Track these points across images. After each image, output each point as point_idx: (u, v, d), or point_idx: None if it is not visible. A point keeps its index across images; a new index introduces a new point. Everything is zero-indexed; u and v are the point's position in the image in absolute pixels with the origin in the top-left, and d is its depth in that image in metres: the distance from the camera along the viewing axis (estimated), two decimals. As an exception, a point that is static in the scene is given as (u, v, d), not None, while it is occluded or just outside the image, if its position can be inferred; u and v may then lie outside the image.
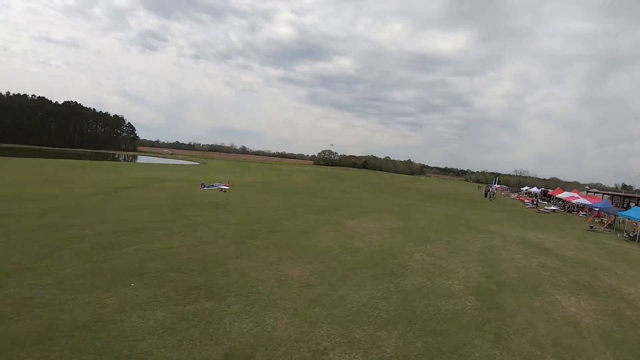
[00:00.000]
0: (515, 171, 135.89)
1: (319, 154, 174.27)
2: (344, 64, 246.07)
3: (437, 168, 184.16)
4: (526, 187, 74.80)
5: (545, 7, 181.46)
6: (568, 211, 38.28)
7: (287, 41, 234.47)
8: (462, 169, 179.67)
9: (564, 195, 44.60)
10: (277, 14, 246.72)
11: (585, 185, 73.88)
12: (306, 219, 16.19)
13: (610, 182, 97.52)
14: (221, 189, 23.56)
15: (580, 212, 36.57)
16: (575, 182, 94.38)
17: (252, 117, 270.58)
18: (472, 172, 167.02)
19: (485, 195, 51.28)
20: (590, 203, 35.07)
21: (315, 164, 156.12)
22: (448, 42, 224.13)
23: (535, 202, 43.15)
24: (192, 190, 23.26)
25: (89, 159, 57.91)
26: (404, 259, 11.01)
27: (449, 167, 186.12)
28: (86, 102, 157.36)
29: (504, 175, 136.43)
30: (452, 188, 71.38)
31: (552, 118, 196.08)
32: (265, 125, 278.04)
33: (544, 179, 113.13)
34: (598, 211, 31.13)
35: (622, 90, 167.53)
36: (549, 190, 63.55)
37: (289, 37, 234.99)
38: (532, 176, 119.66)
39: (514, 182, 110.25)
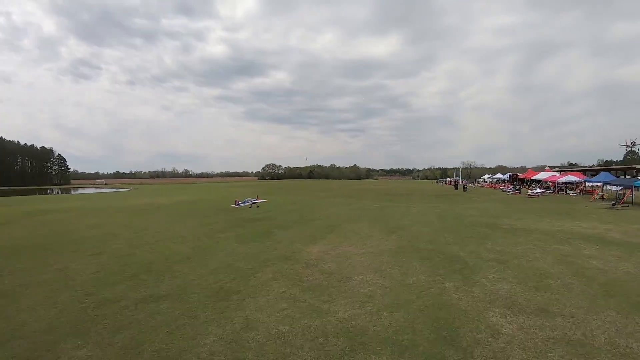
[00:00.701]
0: (463, 163, 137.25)
1: (262, 168, 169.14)
2: (280, 77, 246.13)
3: (382, 170, 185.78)
4: (487, 176, 73.32)
5: (473, 5, 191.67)
6: (557, 192, 34.96)
7: (221, 59, 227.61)
8: (408, 168, 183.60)
9: (543, 176, 41.83)
10: (209, 32, 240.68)
11: (546, 166, 74.70)
12: (231, 254, 8.64)
13: (553, 162, 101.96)
14: (253, 204, 20.86)
15: (570, 191, 33.73)
16: (521, 167, 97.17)
17: (193, 140, 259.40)
18: (419, 170, 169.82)
19: (455, 188, 47.68)
20: (579, 179, 31.96)
21: (259, 179, 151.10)
22: (380, 47, 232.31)
23: (517, 188, 39.99)
24: (79, 221, 15.80)
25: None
26: (478, 338, 4.08)
27: (394, 168, 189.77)
28: (23, 138, 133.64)
29: (450, 168, 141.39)
30: (410, 186, 65.42)
31: (488, 109, 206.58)
32: (208, 146, 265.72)
33: (490, 167, 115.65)
34: (591, 186, 27.65)
35: (551, 76, 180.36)
36: (518, 174, 62.00)
37: (223, 55, 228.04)
38: (479, 167, 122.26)
39: (464, 174, 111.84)
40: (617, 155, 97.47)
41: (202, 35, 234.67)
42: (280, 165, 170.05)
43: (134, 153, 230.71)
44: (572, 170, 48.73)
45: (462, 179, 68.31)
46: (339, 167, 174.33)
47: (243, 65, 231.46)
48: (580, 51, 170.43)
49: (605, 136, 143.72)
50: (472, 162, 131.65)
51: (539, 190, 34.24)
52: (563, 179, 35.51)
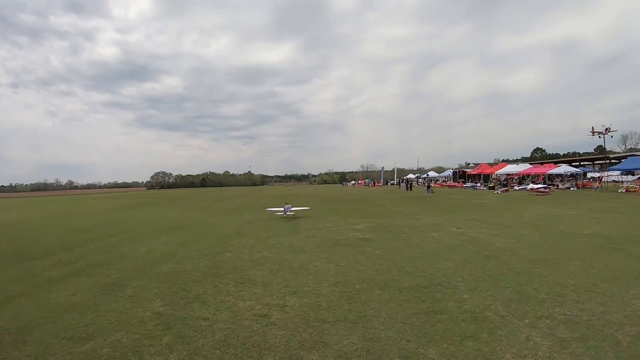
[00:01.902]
0: (362, 166, 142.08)
1: (151, 177, 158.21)
2: (171, 83, 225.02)
3: (277, 176, 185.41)
4: (425, 175, 68.39)
5: (367, 15, 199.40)
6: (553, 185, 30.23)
7: (111, 62, 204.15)
8: (303, 173, 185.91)
9: (511, 169, 36.90)
10: (100, 33, 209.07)
11: (470, 163, 72.82)
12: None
13: (444, 164, 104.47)
14: (287, 213, 15.54)
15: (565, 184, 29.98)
16: (419, 169, 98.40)
17: (81, 149, 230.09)
18: (315, 175, 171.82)
19: (409, 189, 41.39)
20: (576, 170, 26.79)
21: (149, 188, 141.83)
22: (274, 54, 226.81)
23: (504, 185, 35.03)
24: None
25: None
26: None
27: (288, 174, 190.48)
28: None
29: (352, 172, 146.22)
30: (333, 193, 46.44)
31: (378, 115, 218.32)
32: (96, 155, 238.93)
33: (392, 169, 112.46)
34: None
35: (440, 84, 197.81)
36: (464, 170, 57.70)
37: (113, 58, 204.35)
38: (378, 170, 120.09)
39: (364, 176, 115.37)
40: (512, 155, 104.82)
41: (92, 36, 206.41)
42: (170, 174, 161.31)
43: (15, 164, 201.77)
44: (538, 163, 45.25)
45: (412, 179, 63.04)
46: (233, 174, 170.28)
47: (134, 70, 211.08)
48: (469, 62, 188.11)
49: (491, 139, 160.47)
50: (371, 165, 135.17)
51: (533, 186, 29.02)
52: (553, 171, 30.30)
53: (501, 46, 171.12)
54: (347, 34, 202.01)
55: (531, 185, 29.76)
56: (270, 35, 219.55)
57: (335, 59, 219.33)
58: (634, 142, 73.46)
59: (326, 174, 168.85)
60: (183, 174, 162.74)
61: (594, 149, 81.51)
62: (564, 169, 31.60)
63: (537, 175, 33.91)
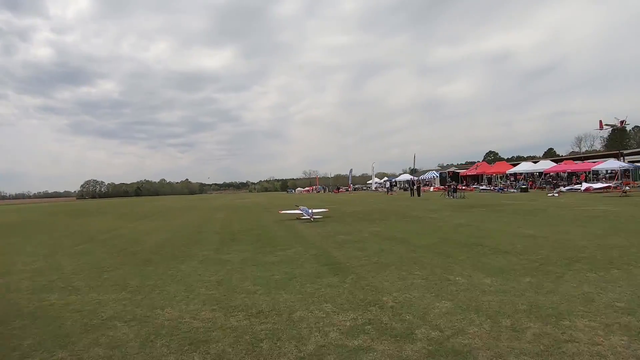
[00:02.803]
0: (305, 173, 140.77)
1: (81, 186, 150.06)
2: (108, 87, 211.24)
3: (215, 184, 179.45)
4: (393, 179, 59.27)
5: (308, 23, 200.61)
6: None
7: (45, 64, 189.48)
8: (241, 181, 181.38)
9: (528, 167, 30.49)
10: (35, 32, 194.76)
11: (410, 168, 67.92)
12: None
13: (382, 170, 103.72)
14: (307, 217, 13.85)
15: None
16: (362, 175, 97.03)
17: (12, 156, 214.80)
18: (254, 183, 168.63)
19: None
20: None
21: (78, 198, 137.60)
22: (214, 60, 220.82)
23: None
24: None
25: None
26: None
27: (227, 182, 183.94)
28: None
29: (293, 179, 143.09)
30: (280, 198, 43.25)
31: (317, 123, 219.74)
32: (27, 163, 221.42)
33: (333, 176, 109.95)
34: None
35: (376, 93, 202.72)
36: (459, 171, 51.73)
37: (48, 60, 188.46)
38: (322, 175, 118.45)
39: (306, 183, 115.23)
40: (447, 160, 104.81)
41: (27, 35, 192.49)
42: (102, 182, 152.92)
43: None
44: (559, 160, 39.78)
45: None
46: (169, 182, 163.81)
47: (69, 72, 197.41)
48: (406, 71, 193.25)
49: (426, 145, 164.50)
50: (314, 171, 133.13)
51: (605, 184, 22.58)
52: (611, 165, 24.16)
53: (439, 56, 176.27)
54: (288, 41, 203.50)
55: (587, 185, 23.17)
56: (210, 40, 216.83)
57: (275, 67, 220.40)
58: (589, 145, 74.98)
59: (266, 181, 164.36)
60: (116, 183, 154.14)
61: (544, 152, 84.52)
62: (613, 164, 24.99)
63: (577, 173, 27.91)
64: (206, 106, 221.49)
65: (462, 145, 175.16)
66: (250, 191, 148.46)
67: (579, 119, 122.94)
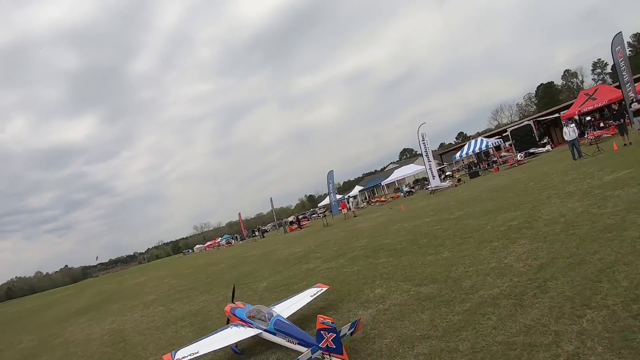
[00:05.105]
0: (196, 228, 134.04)
1: None
2: None
3: (100, 264, 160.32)
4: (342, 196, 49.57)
5: (167, 77, 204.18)
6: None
7: None
8: (128, 254, 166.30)
9: None
10: None
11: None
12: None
13: (262, 211, 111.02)
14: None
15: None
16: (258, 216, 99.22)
17: None
18: (143, 252, 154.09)
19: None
20: None
21: None
22: (76, 130, 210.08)
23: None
24: None
25: None
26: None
27: (112, 258, 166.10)
28: None
29: (185, 238, 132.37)
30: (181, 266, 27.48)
31: (193, 177, 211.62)
32: None
33: (225, 224, 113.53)
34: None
35: (245, 133, 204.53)
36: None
37: None
38: (214, 227, 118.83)
39: (200, 239, 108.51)
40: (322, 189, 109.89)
41: None
42: None
43: None
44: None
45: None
46: (46, 273, 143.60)
47: None
48: (271, 106, 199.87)
49: (303, 174, 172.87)
50: (206, 224, 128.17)
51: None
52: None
53: (300, 86, 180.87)
54: (149, 98, 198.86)
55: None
56: (69, 110, 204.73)
57: (140, 127, 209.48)
58: (508, 117, 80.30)
59: (155, 247, 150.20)
60: None
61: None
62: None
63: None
64: (77, 182, 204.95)
65: (338, 166, 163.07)
66: (139, 262, 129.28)
67: (440, 115, 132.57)
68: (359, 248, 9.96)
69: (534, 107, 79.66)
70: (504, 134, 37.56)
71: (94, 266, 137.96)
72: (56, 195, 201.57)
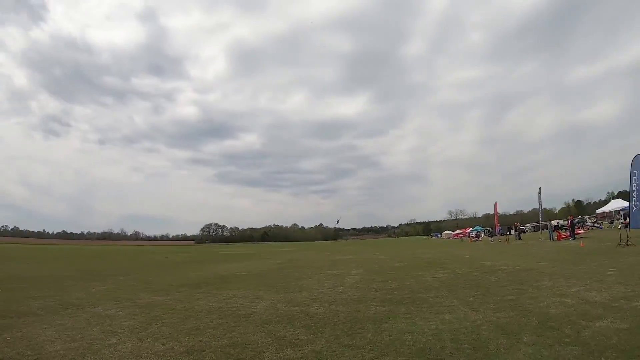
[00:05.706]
0: (450, 213, 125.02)
1: (201, 229, 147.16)
2: (250, 140, 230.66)
3: (353, 229, 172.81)
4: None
5: (437, 61, 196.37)
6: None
7: (191, 121, 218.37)
8: (381, 225, 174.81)
9: None
10: (179, 93, 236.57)
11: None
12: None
13: (525, 208, 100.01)
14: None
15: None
16: (516, 212, 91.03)
17: (164, 203, 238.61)
18: (394, 227, 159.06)
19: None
20: None
21: (197, 242, 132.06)
22: (349, 107, 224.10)
23: None
24: None
25: None
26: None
27: (366, 226, 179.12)
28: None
29: (437, 222, 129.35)
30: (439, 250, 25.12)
31: (456, 163, 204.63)
32: (178, 209, 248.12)
33: (481, 216, 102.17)
34: None
35: (515, 125, 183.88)
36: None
37: (193, 117, 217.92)
38: (469, 216, 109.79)
39: (452, 225, 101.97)
40: (599, 194, 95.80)
41: (172, 96, 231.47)
42: (224, 226, 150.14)
43: (103, 214, 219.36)
44: None
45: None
46: (302, 227, 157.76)
47: (213, 127, 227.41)
48: (542, 99, 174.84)
49: (571, 178, 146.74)
50: (461, 211, 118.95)
51: None
52: None
53: (575, 77, 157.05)
54: (420, 82, 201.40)
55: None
56: (343, 88, 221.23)
57: (409, 109, 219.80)
58: None
59: (407, 224, 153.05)
60: (241, 227, 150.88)
61: None
62: None
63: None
64: (346, 153, 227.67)
65: (607, 175, 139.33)
66: (389, 236, 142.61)
67: None
68: None
69: None
70: None
71: (345, 229, 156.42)
72: (326, 162, 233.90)
